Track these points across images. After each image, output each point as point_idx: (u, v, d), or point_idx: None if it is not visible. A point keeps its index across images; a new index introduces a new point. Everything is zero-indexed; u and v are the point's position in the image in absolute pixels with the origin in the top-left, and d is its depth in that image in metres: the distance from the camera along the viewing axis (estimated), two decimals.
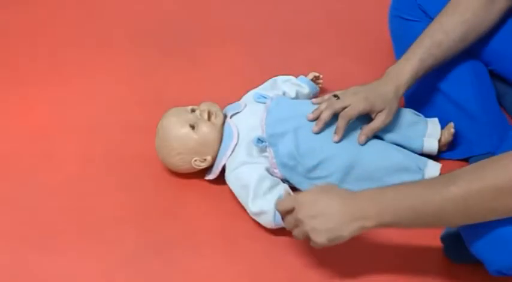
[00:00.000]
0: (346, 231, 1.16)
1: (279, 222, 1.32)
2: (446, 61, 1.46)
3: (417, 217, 1.11)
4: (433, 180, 1.18)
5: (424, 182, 1.17)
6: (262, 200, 1.35)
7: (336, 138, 1.38)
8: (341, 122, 1.38)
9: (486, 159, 1.08)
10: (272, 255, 1.36)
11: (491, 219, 1.08)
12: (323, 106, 1.41)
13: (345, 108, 1.39)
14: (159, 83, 1.73)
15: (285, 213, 1.23)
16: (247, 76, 1.67)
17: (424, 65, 1.42)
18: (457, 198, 1.06)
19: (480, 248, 1.13)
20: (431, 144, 1.45)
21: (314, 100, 1.45)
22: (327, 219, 1.16)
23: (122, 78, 1.75)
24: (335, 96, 1.41)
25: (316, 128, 1.39)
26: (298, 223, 1.20)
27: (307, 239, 1.21)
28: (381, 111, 1.40)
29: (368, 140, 1.40)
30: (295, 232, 1.22)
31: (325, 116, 1.39)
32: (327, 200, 1.18)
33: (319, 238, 1.17)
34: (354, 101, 1.39)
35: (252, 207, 1.36)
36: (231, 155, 1.42)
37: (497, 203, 1.04)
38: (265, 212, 1.35)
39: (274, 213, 1.32)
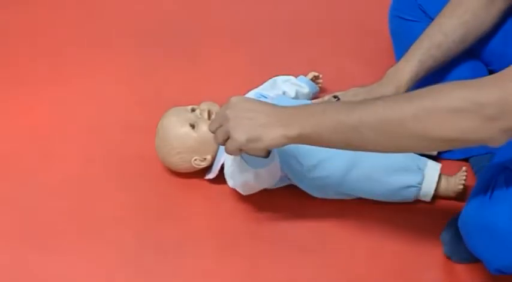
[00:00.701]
0: (268, 135, 1.15)
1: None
2: (447, 62, 1.46)
3: (337, 129, 1.10)
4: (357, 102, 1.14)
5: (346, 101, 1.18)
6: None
7: None
8: None
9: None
10: (272, 255, 1.36)
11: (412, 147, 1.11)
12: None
13: None
14: (159, 83, 1.73)
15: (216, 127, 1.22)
16: (247, 76, 1.67)
17: (424, 66, 1.42)
18: (377, 114, 1.06)
19: (480, 247, 1.14)
20: None
21: (314, 101, 1.45)
22: (252, 119, 1.15)
23: (122, 78, 1.75)
24: (335, 97, 1.42)
25: None
26: (223, 122, 1.18)
27: (225, 141, 1.19)
28: None
29: None
30: (218, 132, 1.20)
31: None
32: (258, 104, 1.18)
33: (239, 135, 1.16)
34: None
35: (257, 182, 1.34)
36: None
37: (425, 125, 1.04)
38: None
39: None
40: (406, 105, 1.04)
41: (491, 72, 1.54)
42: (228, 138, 1.18)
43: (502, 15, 1.44)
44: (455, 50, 1.44)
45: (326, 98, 1.43)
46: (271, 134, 1.14)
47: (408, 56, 1.43)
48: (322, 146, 1.15)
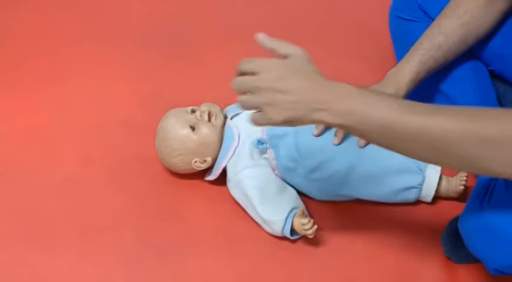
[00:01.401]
0: (306, 118, 1.04)
1: (288, 233, 1.33)
2: (447, 62, 1.45)
3: (387, 134, 1.01)
4: (421, 104, 1.03)
5: (409, 102, 1.04)
6: (272, 205, 1.35)
7: (336, 141, 1.38)
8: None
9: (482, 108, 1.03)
10: (272, 255, 1.36)
11: (456, 165, 1.03)
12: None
13: None
14: (159, 83, 1.73)
15: (240, 74, 1.08)
16: None
17: (424, 67, 1.41)
18: (439, 129, 0.98)
19: (479, 246, 1.14)
20: None
21: None
22: (291, 100, 1.03)
23: (122, 78, 1.75)
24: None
25: (316, 131, 1.39)
26: (254, 90, 1.05)
27: (254, 109, 1.07)
28: None
29: (368, 143, 1.40)
30: (246, 98, 1.06)
31: None
32: (296, 79, 1.04)
33: (276, 115, 1.04)
34: None
35: (262, 212, 1.36)
36: (232, 157, 1.41)
37: (476, 150, 0.97)
38: (275, 221, 1.34)
39: (285, 223, 1.33)
40: (468, 125, 0.98)
41: (491, 72, 1.55)
42: (261, 108, 1.05)
43: (502, 15, 1.44)
44: (455, 51, 1.43)
45: None
46: (310, 118, 1.04)
47: (408, 57, 1.42)
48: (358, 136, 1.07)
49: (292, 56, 1.07)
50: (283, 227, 1.33)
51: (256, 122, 1.07)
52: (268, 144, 1.40)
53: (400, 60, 1.43)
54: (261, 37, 1.10)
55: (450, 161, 1.01)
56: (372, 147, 1.40)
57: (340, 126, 1.04)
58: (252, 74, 1.06)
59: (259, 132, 1.41)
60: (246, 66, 1.07)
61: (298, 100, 1.03)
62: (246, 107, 1.07)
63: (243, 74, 1.07)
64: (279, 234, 1.35)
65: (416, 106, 1.01)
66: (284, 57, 1.07)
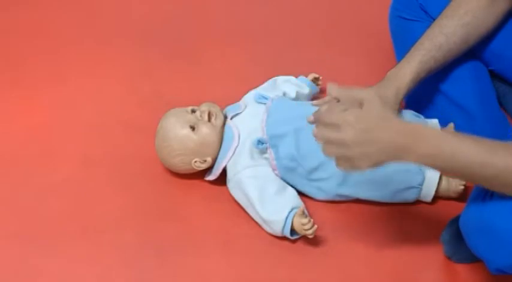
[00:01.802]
0: (394, 162, 1.10)
1: (288, 233, 1.33)
2: (448, 63, 1.45)
3: (469, 177, 1.09)
4: (499, 144, 1.08)
5: (489, 143, 1.08)
6: (272, 205, 1.35)
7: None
8: None
9: None
10: (272, 255, 1.36)
11: None
12: (323, 109, 1.40)
13: None
14: (159, 82, 1.73)
15: (320, 121, 1.12)
16: (247, 76, 1.67)
17: (425, 68, 1.41)
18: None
19: (480, 246, 1.14)
20: None
21: (315, 102, 1.45)
22: (378, 150, 1.08)
23: (122, 78, 1.75)
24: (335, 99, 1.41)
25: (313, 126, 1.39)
26: (338, 143, 1.09)
27: (336, 156, 1.12)
28: None
29: None
30: (334, 151, 1.11)
31: None
32: (379, 130, 1.07)
33: (364, 164, 1.09)
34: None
35: (262, 212, 1.36)
36: (232, 157, 1.41)
37: None
38: (275, 221, 1.34)
39: (285, 222, 1.33)
40: None
41: (491, 72, 1.54)
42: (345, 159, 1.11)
43: (504, 16, 1.44)
44: (456, 51, 1.43)
45: (327, 99, 1.43)
46: (399, 161, 1.10)
47: (409, 57, 1.42)
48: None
49: (367, 101, 1.10)
50: (283, 227, 1.33)
51: (343, 170, 1.13)
52: (268, 144, 1.40)
53: (401, 61, 1.43)
54: (330, 87, 1.16)
55: None
56: None
57: (427, 167, 1.10)
58: (334, 126, 1.09)
59: (259, 132, 1.41)
60: (327, 119, 1.10)
61: (385, 149, 1.08)
62: (332, 157, 1.12)
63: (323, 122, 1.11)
64: (279, 234, 1.35)
65: (495, 146, 1.07)
66: (359, 103, 1.10)
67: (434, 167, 1.09)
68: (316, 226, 1.32)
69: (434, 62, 1.42)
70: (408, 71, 1.40)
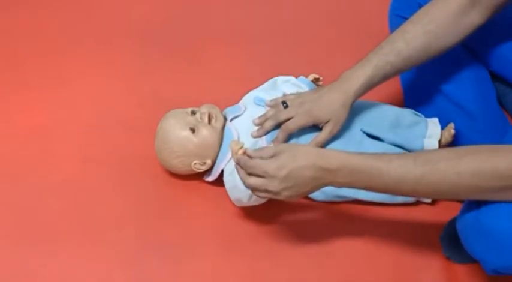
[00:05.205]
0: (312, 191, 1.21)
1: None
2: (407, 70, 1.41)
3: (388, 192, 1.18)
4: (406, 159, 1.15)
5: (398, 160, 1.15)
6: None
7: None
8: (281, 135, 1.38)
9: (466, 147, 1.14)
10: (272, 255, 1.36)
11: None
12: (269, 113, 1.41)
13: (289, 119, 1.38)
14: (159, 83, 1.73)
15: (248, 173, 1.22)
16: (247, 76, 1.67)
17: (380, 72, 1.36)
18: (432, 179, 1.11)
19: (476, 247, 1.14)
20: (432, 145, 1.45)
21: (268, 102, 1.45)
22: (300, 188, 1.18)
23: (122, 78, 1.75)
24: (284, 103, 1.41)
25: (256, 134, 1.41)
26: (269, 190, 1.19)
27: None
28: (327, 122, 1.37)
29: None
30: (260, 194, 1.22)
31: (268, 125, 1.40)
32: (300, 175, 1.17)
33: (286, 197, 1.20)
34: (297, 114, 1.38)
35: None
36: (231, 159, 1.41)
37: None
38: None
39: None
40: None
41: (491, 73, 1.54)
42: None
43: (474, 30, 1.36)
44: (416, 59, 1.37)
45: (279, 99, 1.43)
46: (315, 190, 1.21)
47: (365, 60, 1.38)
48: None
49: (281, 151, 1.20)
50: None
51: (253, 189, 1.22)
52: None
53: (357, 63, 1.39)
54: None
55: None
56: (371, 148, 1.40)
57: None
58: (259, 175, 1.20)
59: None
60: (251, 170, 1.20)
61: (309, 188, 1.19)
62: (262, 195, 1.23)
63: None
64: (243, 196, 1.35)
65: (403, 163, 1.13)
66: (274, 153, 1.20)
67: (361, 188, 1.19)
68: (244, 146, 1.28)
69: (391, 67, 1.36)
70: (360, 74, 1.36)
